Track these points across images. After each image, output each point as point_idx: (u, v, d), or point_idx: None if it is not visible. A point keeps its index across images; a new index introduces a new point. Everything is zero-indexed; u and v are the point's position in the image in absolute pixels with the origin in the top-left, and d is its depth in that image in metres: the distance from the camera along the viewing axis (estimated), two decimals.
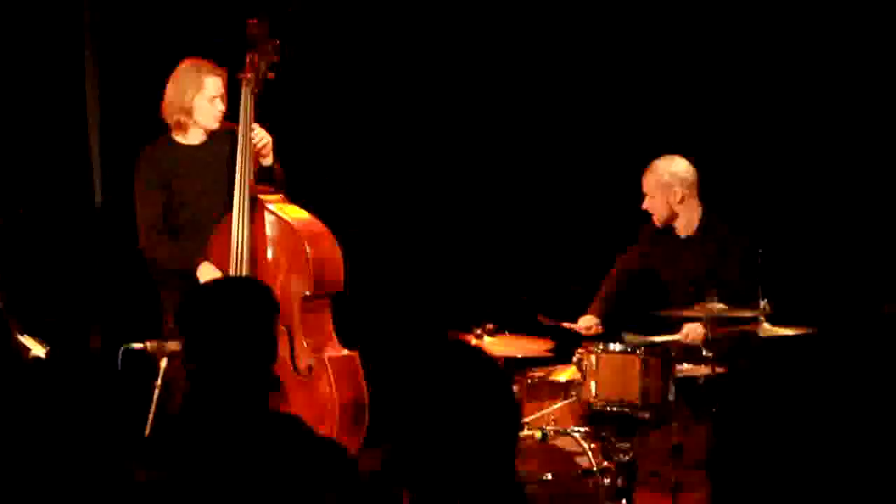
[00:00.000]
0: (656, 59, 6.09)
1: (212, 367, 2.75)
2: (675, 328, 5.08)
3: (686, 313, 4.82)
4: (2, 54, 5.82)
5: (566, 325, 5.16)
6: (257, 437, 2.71)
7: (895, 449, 5.21)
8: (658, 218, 5.24)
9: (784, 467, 5.08)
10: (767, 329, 4.72)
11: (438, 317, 5.65)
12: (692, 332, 4.92)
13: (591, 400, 4.75)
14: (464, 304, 5.79)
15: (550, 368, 5.09)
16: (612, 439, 4.74)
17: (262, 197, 4.99)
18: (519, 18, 6.23)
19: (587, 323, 5.21)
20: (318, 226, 5.03)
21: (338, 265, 5.02)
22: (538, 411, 4.93)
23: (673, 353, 4.83)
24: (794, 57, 5.87)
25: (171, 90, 5.04)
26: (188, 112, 5.02)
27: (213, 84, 5.00)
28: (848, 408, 5.50)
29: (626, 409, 4.72)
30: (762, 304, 4.70)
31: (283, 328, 4.73)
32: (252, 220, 4.92)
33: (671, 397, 4.71)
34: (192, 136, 5.09)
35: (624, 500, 4.68)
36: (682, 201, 5.20)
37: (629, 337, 4.82)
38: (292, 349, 4.85)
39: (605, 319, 5.24)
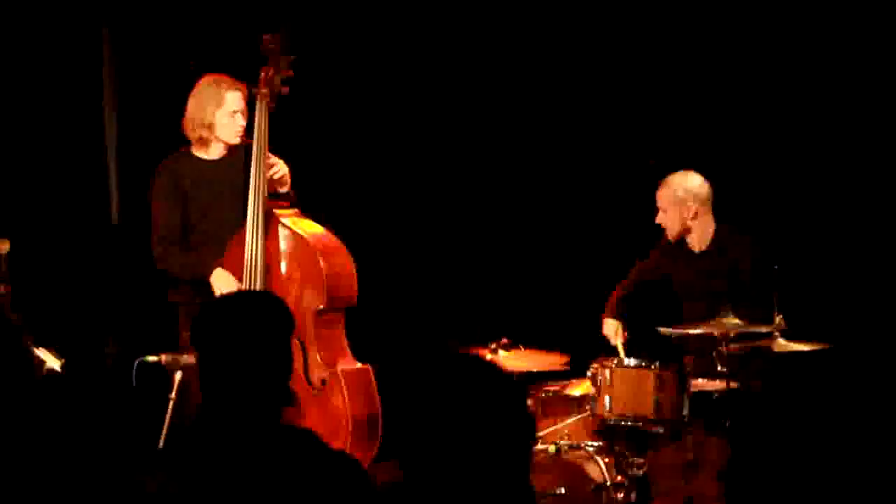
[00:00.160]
0: (675, 74, 6.09)
1: (226, 381, 2.75)
2: (691, 344, 5.08)
3: (700, 330, 4.81)
4: (20, 72, 5.86)
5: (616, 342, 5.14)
6: (271, 451, 2.71)
7: None
8: (671, 232, 5.25)
9: (799, 483, 5.06)
10: (782, 344, 4.71)
11: (452, 331, 5.65)
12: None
13: (605, 414, 4.74)
14: (478, 318, 5.79)
15: (564, 383, 5.09)
16: (626, 454, 4.74)
17: (276, 211, 5.00)
18: (541, 35, 6.25)
19: (613, 329, 5.21)
20: (332, 240, 5.04)
21: (351, 279, 5.02)
22: (552, 426, 4.92)
23: (688, 369, 4.82)
24: (815, 73, 5.87)
25: (191, 106, 5.06)
26: (209, 127, 5.04)
27: (234, 99, 5.03)
28: (863, 424, 5.48)
29: (640, 424, 4.71)
30: (777, 319, 4.69)
31: (296, 342, 4.74)
32: (266, 234, 4.93)
33: (685, 412, 4.70)
34: (213, 152, 5.11)
35: None
36: (695, 216, 5.21)
37: (663, 329, 4.80)
38: (306, 363, 4.86)
39: (624, 322, 5.25)
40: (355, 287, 5.03)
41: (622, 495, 4.64)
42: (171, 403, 4.20)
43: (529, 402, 4.91)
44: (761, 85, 5.98)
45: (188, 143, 5.12)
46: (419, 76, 6.32)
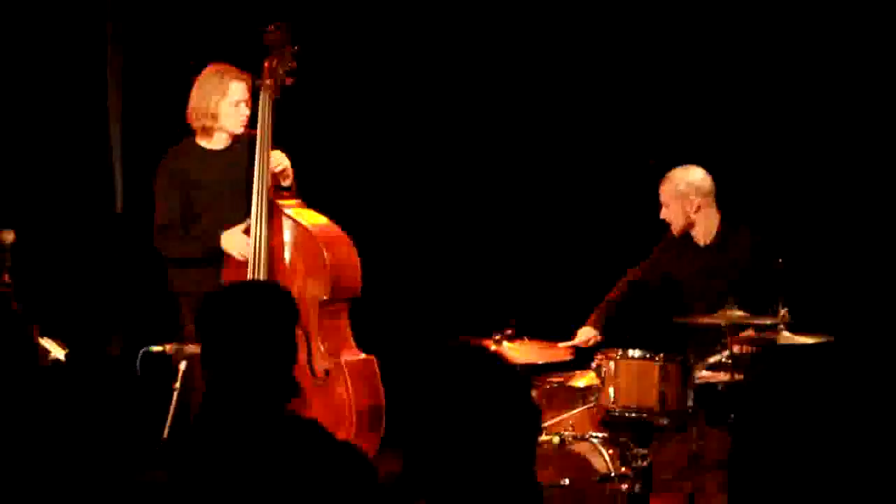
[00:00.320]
0: (678, 69, 6.08)
1: (230, 370, 2.75)
2: (694, 336, 5.08)
3: (706, 321, 4.81)
4: (25, 62, 5.86)
5: (563, 345, 5.11)
6: (275, 441, 2.71)
7: None
8: (675, 227, 5.24)
9: (802, 475, 5.06)
10: (786, 337, 4.71)
11: (456, 322, 5.65)
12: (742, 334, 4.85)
13: (610, 406, 4.74)
14: (482, 309, 5.79)
15: (569, 374, 5.09)
16: (630, 445, 4.74)
17: (279, 202, 5.00)
18: (543, 33, 6.24)
19: (585, 336, 5.20)
20: (336, 230, 5.04)
21: (355, 270, 5.02)
22: (556, 417, 4.92)
23: (692, 361, 4.82)
24: (820, 67, 5.86)
25: (196, 95, 5.06)
26: (214, 117, 5.04)
27: (238, 89, 5.03)
28: (866, 416, 5.48)
29: (645, 416, 4.71)
30: (781, 312, 4.68)
31: (300, 332, 4.74)
32: (270, 225, 4.93)
33: (689, 404, 4.70)
34: (217, 141, 5.11)
35: None
36: (698, 210, 5.20)
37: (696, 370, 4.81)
38: (310, 353, 4.86)
39: (604, 329, 5.23)
40: (359, 278, 5.03)
41: (626, 486, 4.64)
42: (175, 393, 4.20)
43: (534, 393, 4.91)
44: (764, 78, 5.97)
45: (192, 132, 5.12)
46: (423, 67, 6.31)
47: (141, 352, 4.20)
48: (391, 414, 4.93)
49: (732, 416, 4.70)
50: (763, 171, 5.95)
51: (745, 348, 4.82)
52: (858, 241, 5.83)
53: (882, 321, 5.72)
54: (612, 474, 4.64)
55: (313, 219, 5.03)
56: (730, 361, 4.71)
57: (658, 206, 5.26)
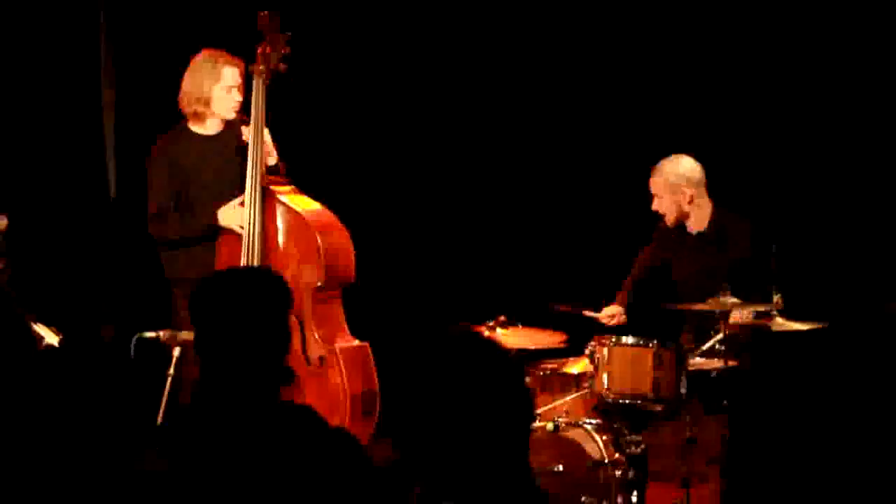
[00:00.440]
0: (669, 58, 6.07)
1: (224, 356, 2.74)
2: (688, 323, 5.08)
3: (699, 307, 4.81)
4: (18, 49, 5.84)
5: (588, 313, 5.14)
6: (269, 427, 2.71)
7: None
8: (669, 219, 5.22)
9: (796, 461, 5.07)
10: (780, 323, 4.71)
11: (450, 308, 5.65)
12: (741, 317, 4.84)
13: (604, 392, 4.75)
14: (476, 295, 5.79)
15: (563, 361, 5.09)
16: (624, 431, 4.74)
17: (273, 188, 4.99)
18: (533, 18, 6.23)
19: (611, 311, 5.21)
20: (330, 216, 5.04)
21: (349, 256, 5.02)
22: (550, 403, 4.93)
23: (685, 347, 4.83)
24: (806, 53, 5.85)
25: (188, 81, 5.05)
26: (206, 102, 5.03)
27: (231, 74, 5.01)
28: (860, 403, 5.49)
29: (638, 402, 4.71)
30: (775, 298, 4.68)
31: (294, 319, 4.73)
32: (263, 211, 4.93)
33: (683, 390, 4.70)
34: (209, 127, 5.11)
35: (635, 493, 4.68)
36: (691, 200, 5.18)
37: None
38: (304, 340, 4.86)
39: (628, 311, 5.25)
40: (353, 264, 5.02)
41: (620, 473, 4.64)
42: (169, 379, 4.19)
43: (528, 379, 4.91)
44: (756, 66, 5.97)
45: (184, 118, 5.11)
46: (417, 54, 6.30)
47: (135, 338, 4.19)
48: (385, 401, 4.93)
49: (726, 402, 4.71)
50: (756, 159, 5.95)
51: (741, 328, 4.80)
52: (852, 228, 5.83)
53: (876, 307, 5.73)
54: (606, 461, 4.65)
55: (307, 205, 5.03)
56: (723, 347, 4.71)
57: (649, 196, 5.24)
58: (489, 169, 6.36)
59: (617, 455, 4.68)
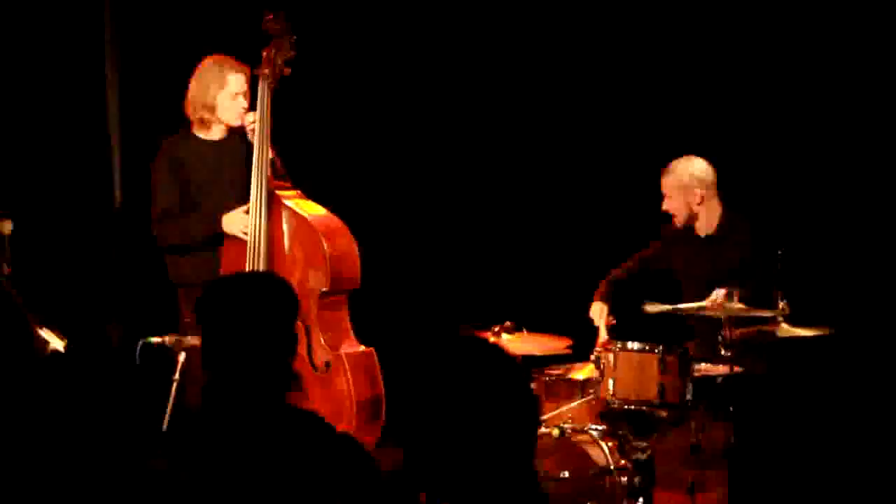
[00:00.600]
0: (679, 60, 6.07)
1: (230, 362, 2.74)
2: (691, 326, 5.08)
3: (696, 306, 4.80)
4: (23, 55, 5.85)
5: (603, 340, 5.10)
6: (274, 433, 2.70)
7: None
8: (678, 219, 5.23)
9: (802, 467, 5.06)
10: (786, 329, 4.70)
11: (456, 314, 5.65)
12: (719, 296, 4.82)
13: (609, 398, 4.74)
14: (482, 301, 5.78)
15: (568, 366, 5.08)
16: (630, 438, 4.73)
17: (278, 192, 4.99)
18: (541, 22, 6.23)
19: (598, 313, 5.20)
20: (335, 222, 5.03)
21: (355, 261, 5.02)
22: (555, 409, 4.92)
23: (691, 352, 4.82)
24: (818, 56, 5.84)
25: (194, 87, 5.05)
26: (211, 109, 5.03)
27: (236, 81, 5.02)
28: (865, 409, 5.48)
29: (644, 408, 4.71)
30: (781, 304, 4.68)
31: (300, 324, 4.72)
32: (269, 216, 4.93)
33: (689, 396, 4.69)
34: (214, 133, 5.11)
35: (641, 499, 4.67)
36: (701, 202, 5.19)
37: (649, 306, 4.78)
38: (309, 345, 4.85)
39: (611, 305, 5.23)
40: (358, 270, 5.02)
41: (626, 479, 4.63)
42: (174, 385, 4.19)
43: (533, 385, 4.90)
44: (764, 68, 5.96)
45: (190, 123, 5.11)
46: (422, 56, 6.30)
47: (140, 343, 4.19)
48: (391, 406, 4.92)
49: (732, 408, 4.70)
50: (763, 162, 5.94)
51: (744, 335, 4.79)
52: (858, 233, 5.83)
53: (882, 313, 5.72)
54: (612, 467, 4.64)
55: (313, 210, 5.02)
56: (729, 354, 4.70)
57: (658, 197, 5.25)
58: (496, 174, 6.35)
59: (623, 461, 4.68)
